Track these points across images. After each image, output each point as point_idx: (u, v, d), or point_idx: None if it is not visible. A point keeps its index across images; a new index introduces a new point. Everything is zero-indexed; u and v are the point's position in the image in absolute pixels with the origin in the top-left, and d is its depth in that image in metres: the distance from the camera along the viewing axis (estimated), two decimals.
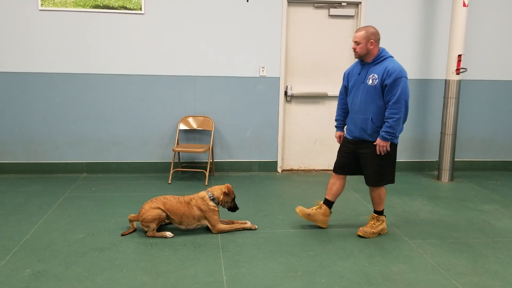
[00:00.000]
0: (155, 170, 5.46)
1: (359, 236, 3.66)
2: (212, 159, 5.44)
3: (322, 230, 3.79)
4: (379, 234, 3.71)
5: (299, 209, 3.77)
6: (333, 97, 5.65)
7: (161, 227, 3.64)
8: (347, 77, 3.70)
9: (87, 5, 5.07)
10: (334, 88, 5.65)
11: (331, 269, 3.11)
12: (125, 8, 5.13)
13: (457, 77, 5.29)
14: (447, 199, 4.75)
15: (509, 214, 4.32)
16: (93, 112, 5.30)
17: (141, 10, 5.15)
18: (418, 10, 5.53)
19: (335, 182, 3.77)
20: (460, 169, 5.83)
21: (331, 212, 3.83)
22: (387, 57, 3.48)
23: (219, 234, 3.64)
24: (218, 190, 3.68)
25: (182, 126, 5.37)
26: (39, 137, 5.27)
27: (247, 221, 3.83)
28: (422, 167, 5.90)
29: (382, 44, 5.70)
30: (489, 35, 5.67)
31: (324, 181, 5.31)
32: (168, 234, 3.55)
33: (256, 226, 3.79)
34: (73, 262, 3.12)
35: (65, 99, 5.24)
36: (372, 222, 3.70)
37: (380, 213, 3.71)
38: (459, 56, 5.22)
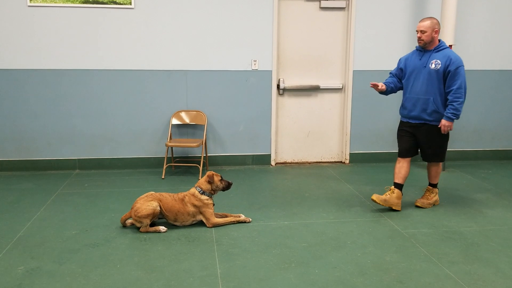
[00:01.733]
0: (148, 165, 5.45)
1: (417, 206, 4.13)
2: (206, 154, 5.44)
3: (315, 222, 3.82)
4: (434, 204, 4.19)
5: (375, 196, 3.99)
6: (325, 89, 5.66)
7: (153, 222, 3.63)
8: (404, 61, 4.09)
9: (77, 1, 5.03)
10: (326, 80, 5.66)
11: (324, 260, 3.13)
12: (115, 3, 5.09)
13: None
14: (439, 188, 4.76)
15: (500, 202, 4.36)
16: (85, 108, 5.27)
17: (131, 5, 5.11)
18: (409, 1, 5.53)
19: (402, 165, 4.12)
20: (451, 158, 5.86)
21: (402, 194, 4.13)
22: (446, 47, 3.89)
23: (213, 228, 3.64)
24: (203, 182, 3.69)
25: (175, 121, 5.36)
26: (31, 134, 5.24)
27: (241, 214, 3.84)
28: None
29: (373, 35, 5.69)
30: (480, 26, 5.69)
31: (318, 173, 5.34)
32: (162, 228, 3.56)
33: (250, 219, 3.81)
34: (67, 259, 3.12)
35: (56, 96, 5.21)
36: (427, 194, 4.21)
37: (434, 186, 4.21)
38: (450, 46, 5.23)
